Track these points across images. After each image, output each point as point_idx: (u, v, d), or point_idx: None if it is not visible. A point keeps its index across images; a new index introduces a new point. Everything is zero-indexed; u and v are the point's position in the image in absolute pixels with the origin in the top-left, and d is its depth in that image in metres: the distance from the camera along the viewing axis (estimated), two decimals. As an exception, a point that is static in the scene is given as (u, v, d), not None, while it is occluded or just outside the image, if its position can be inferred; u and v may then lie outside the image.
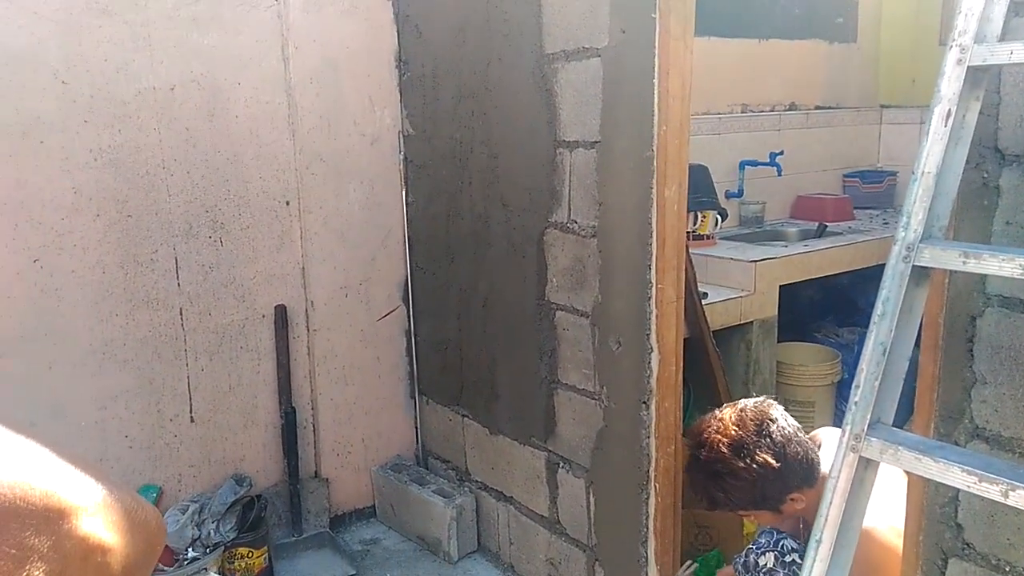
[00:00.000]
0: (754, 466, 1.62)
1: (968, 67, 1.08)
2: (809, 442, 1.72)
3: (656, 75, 1.88)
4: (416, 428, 3.00)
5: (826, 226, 3.76)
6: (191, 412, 2.59)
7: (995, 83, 1.27)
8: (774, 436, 1.65)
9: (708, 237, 3.53)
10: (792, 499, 1.68)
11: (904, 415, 1.65)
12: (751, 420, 1.68)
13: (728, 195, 3.90)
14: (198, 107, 2.44)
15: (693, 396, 3.26)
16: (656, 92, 1.88)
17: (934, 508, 1.42)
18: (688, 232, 3.48)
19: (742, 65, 3.85)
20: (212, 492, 2.61)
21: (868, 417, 1.13)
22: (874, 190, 4.34)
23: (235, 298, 2.60)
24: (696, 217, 3.52)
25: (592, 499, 2.26)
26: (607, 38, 1.99)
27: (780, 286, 3.26)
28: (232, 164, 2.53)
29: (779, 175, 3.96)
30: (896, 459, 1.10)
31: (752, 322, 3.18)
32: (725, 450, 1.64)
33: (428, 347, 2.89)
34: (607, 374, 2.15)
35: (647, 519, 2.10)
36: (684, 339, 2.91)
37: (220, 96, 2.47)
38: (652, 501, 2.08)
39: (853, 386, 1.15)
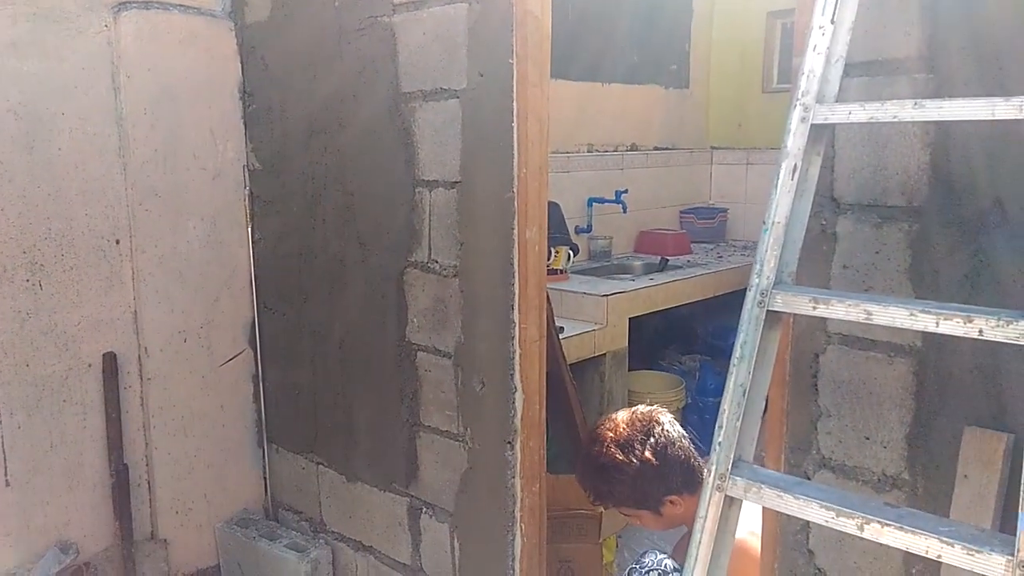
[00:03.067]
0: (636, 462, 1.75)
1: (811, 124, 1.16)
2: (692, 450, 1.84)
3: (515, 119, 1.89)
4: (265, 479, 2.82)
5: (667, 260, 3.96)
6: (6, 475, 2.30)
7: (830, 138, 1.38)
8: (657, 437, 1.79)
9: (561, 272, 3.62)
10: (671, 501, 1.80)
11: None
12: (639, 421, 1.83)
13: (578, 230, 4.03)
14: (14, 139, 2.20)
15: (551, 430, 3.30)
16: (515, 135, 1.90)
17: (787, 536, 1.50)
18: (541, 267, 3.56)
19: (587, 107, 4.01)
20: (32, 563, 2.32)
21: (731, 456, 1.17)
22: (708, 225, 4.63)
23: (57, 347, 2.35)
24: (549, 252, 3.60)
25: (456, 543, 2.22)
26: (466, 80, 1.99)
27: (629, 318, 3.39)
28: (54, 200, 2.29)
29: (624, 212, 4.14)
30: (759, 497, 1.14)
31: (605, 354, 3.28)
32: (613, 447, 1.78)
33: (278, 392, 2.74)
34: (471, 415, 2.13)
35: (513, 560, 2.08)
36: (542, 374, 2.97)
37: (41, 127, 2.24)
38: (518, 542, 2.06)
39: (716, 427, 1.19)
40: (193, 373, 2.62)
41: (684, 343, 4.27)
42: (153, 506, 2.60)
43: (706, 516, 1.19)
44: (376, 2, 2.17)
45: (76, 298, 2.37)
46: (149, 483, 2.59)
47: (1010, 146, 1.19)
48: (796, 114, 1.18)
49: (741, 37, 4.57)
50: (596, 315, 3.25)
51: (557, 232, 3.60)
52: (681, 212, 4.67)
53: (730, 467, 1.17)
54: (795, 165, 1.17)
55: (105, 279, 2.42)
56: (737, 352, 1.18)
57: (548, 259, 3.56)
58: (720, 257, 4.19)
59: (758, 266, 1.18)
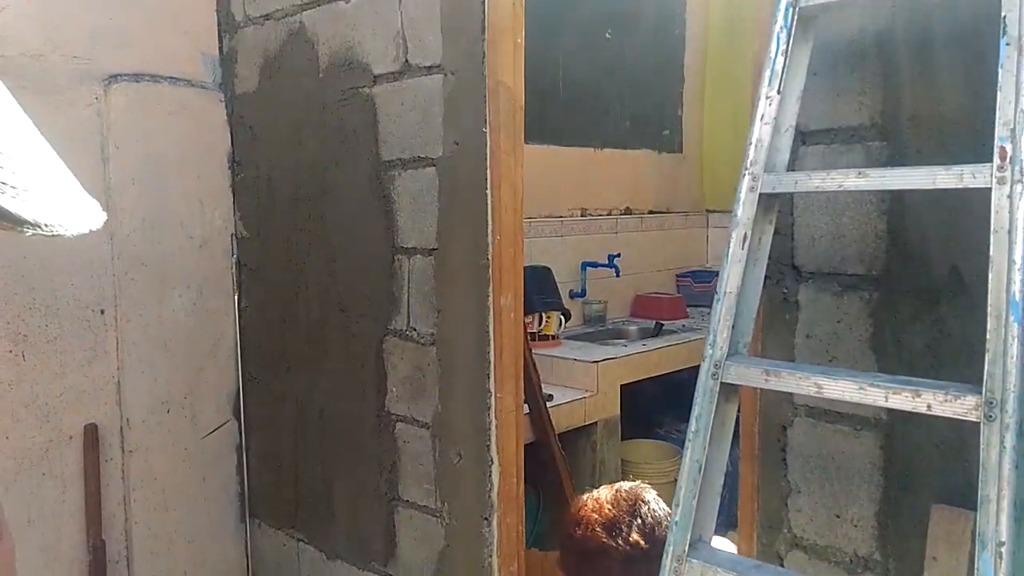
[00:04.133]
0: (625, 546, 1.63)
1: (760, 194, 1.16)
2: None
3: (489, 186, 1.91)
4: (247, 555, 2.76)
5: (663, 324, 3.92)
6: (-22, 551, 2.26)
7: (789, 205, 1.37)
8: (644, 517, 1.67)
9: (553, 337, 3.59)
10: None
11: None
12: (624, 500, 1.70)
13: (572, 295, 4.01)
14: (0, 210, 2.23)
15: (542, 501, 3.23)
16: (489, 202, 1.91)
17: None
18: (534, 333, 3.53)
19: (581, 171, 4.05)
20: (-1, 645, 2.26)
21: (688, 537, 1.13)
22: (705, 289, 4.60)
23: (37, 419, 2.33)
24: (541, 318, 3.58)
25: (435, 623, 2.14)
26: (442, 149, 2.01)
27: (622, 385, 3.34)
28: (40, 271, 2.31)
29: (617, 276, 4.12)
30: (716, 581, 1.09)
31: (596, 422, 3.22)
32: (598, 528, 1.65)
33: (261, 465, 2.70)
34: (448, 489, 2.08)
35: (492, 642, 2.00)
36: (530, 443, 2.92)
37: (27, 198, 2.27)
38: (496, 622, 1.99)
39: (673, 504, 1.15)
40: (176, 445, 2.59)
41: (682, 410, 4.17)
42: (131, 583, 2.54)
43: (664, 600, 1.14)
44: (357, 74, 2.21)
45: (59, 369, 2.37)
46: (128, 559, 2.53)
47: (964, 214, 1.17)
48: (745, 183, 1.17)
49: (733, 102, 4.62)
50: (587, 382, 3.21)
51: (549, 297, 3.59)
52: (678, 276, 4.65)
53: (687, 548, 1.13)
54: (745, 234, 1.16)
55: (89, 349, 2.42)
56: (692, 426, 1.15)
57: (540, 325, 3.55)
58: (718, 320, 4.15)
59: (711, 337, 1.16)
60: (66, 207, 0.47)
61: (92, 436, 2.41)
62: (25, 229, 0.44)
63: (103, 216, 0.51)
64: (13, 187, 0.42)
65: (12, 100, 0.48)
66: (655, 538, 1.66)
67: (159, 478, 2.55)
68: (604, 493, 1.75)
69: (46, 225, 0.45)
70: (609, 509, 1.68)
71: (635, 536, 1.64)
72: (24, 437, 2.32)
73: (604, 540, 1.64)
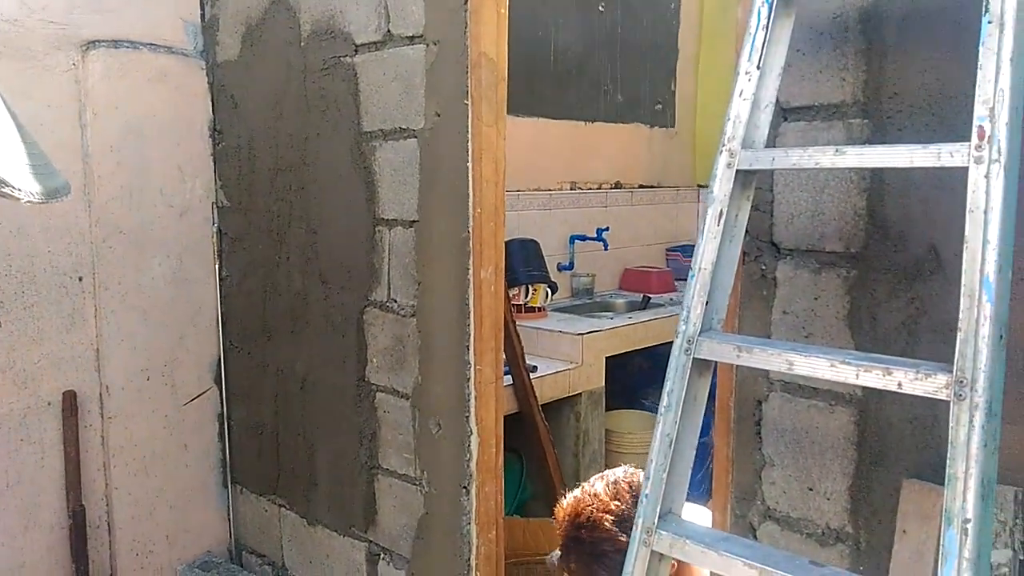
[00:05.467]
0: None
1: (736, 170, 1.15)
2: None
3: (470, 159, 1.89)
4: (229, 520, 2.77)
5: (650, 298, 3.93)
6: (-41, 515, 2.26)
7: (768, 182, 1.36)
8: None
9: (539, 309, 3.59)
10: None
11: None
12: (626, 492, 1.63)
13: (560, 268, 4.01)
14: (-25, 174, 2.19)
15: (526, 469, 3.25)
16: (470, 175, 1.89)
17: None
18: (520, 305, 3.54)
19: (570, 145, 4.02)
20: (-20, 609, 2.27)
21: (658, 509, 1.13)
22: (694, 264, 4.60)
23: (15, 385, 2.32)
24: (527, 290, 3.58)
25: (414, 591, 2.16)
26: (423, 120, 1.99)
27: (608, 357, 3.35)
28: (16, 237, 2.28)
29: (606, 249, 4.12)
30: (684, 553, 1.10)
31: (580, 393, 3.23)
32: (609, 526, 1.58)
33: (243, 432, 2.70)
34: (428, 458, 2.09)
35: (469, 610, 2.02)
36: (514, 413, 2.93)
37: (3, 163, 2.24)
38: (473, 591, 2.01)
39: (643, 478, 1.15)
40: (156, 412, 2.58)
41: (667, 382, 4.21)
42: (112, 548, 2.54)
43: (632, 573, 1.15)
44: (339, 43, 2.18)
45: (36, 335, 2.35)
46: (108, 524, 2.54)
47: (943, 193, 1.17)
48: (722, 159, 1.16)
49: (726, 77, 4.59)
50: (572, 354, 3.22)
51: (536, 270, 3.58)
52: (667, 250, 4.65)
53: (656, 521, 1.13)
54: (721, 211, 1.15)
55: (67, 316, 2.40)
56: (664, 400, 1.15)
57: (526, 297, 3.55)
58: (704, 295, 4.16)
59: (685, 312, 1.15)
60: (38, 177, 0.49)
61: (71, 402, 2.40)
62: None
63: (70, 188, 0.52)
64: None
65: None
66: None
67: (140, 444, 2.55)
68: (600, 487, 1.66)
69: (18, 190, 0.46)
70: (616, 505, 1.61)
71: None
72: (2, 403, 2.31)
73: (621, 538, 1.55)
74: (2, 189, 0.47)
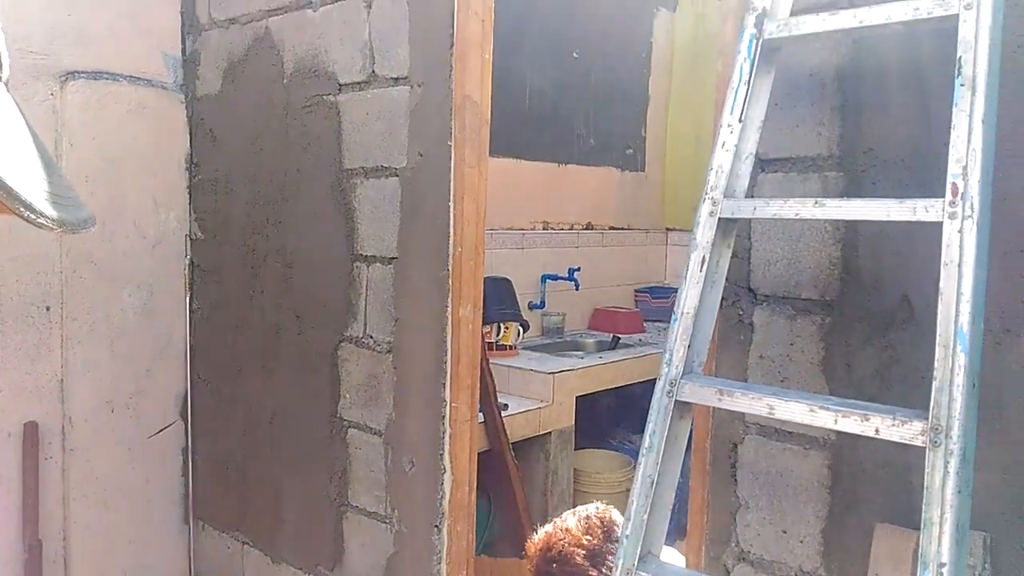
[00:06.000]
0: (611, 574, 1.58)
1: (719, 218, 1.18)
2: None
3: (452, 199, 1.91)
4: (190, 558, 2.70)
5: (619, 338, 3.96)
6: (-93, 550, 2.18)
7: (746, 230, 1.40)
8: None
9: (511, 348, 3.60)
10: None
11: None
12: (598, 527, 1.64)
13: (531, 306, 4.03)
14: (-56, 200, 2.16)
15: (493, 507, 3.23)
16: (452, 215, 1.91)
17: (707, 633, 1.45)
18: (491, 343, 3.54)
19: (544, 186, 4.07)
20: (-77, 651, 2.17)
21: (638, 551, 1.14)
22: (662, 305, 4.66)
23: (-26, 415, 2.26)
24: (499, 328, 3.59)
25: (381, 633, 2.12)
26: (406, 159, 2.01)
27: (577, 396, 3.37)
28: (-17, 264, 2.24)
29: (577, 289, 4.16)
30: (665, 595, 1.11)
31: (551, 432, 3.23)
32: (581, 560, 1.58)
33: (208, 467, 2.65)
34: (399, 496, 2.07)
35: (438, 653, 1.99)
36: (484, 451, 2.92)
37: (-27, 188, 2.20)
38: (443, 633, 1.98)
39: (624, 519, 1.16)
40: (119, 445, 2.53)
41: (635, 422, 4.23)
42: (67, 585, 2.46)
43: (613, 614, 1.15)
44: (323, 81, 2.20)
45: (0, 365, 2.30)
46: (64, 559, 2.46)
47: (915, 244, 1.22)
48: (705, 208, 1.20)
49: (695, 124, 4.71)
50: (543, 392, 3.22)
51: (508, 308, 3.60)
52: (636, 291, 4.70)
53: (636, 563, 1.14)
54: (704, 257, 1.18)
55: (32, 346, 2.35)
56: (646, 442, 1.17)
57: (498, 335, 3.56)
58: (672, 337, 4.20)
59: (668, 355, 1.18)
60: (60, 207, 0.51)
61: (32, 434, 2.35)
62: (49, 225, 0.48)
63: (95, 220, 0.54)
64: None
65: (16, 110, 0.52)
66: None
67: (101, 478, 2.49)
68: (571, 522, 1.67)
69: (46, 217, 0.49)
70: (588, 540, 1.62)
71: None
72: (-40, 434, 2.24)
73: (591, 572, 1.57)
74: (28, 215, 0.48)
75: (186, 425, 2.66)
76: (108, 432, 2.50)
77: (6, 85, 0.53)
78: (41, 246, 2.34)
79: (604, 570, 1.59)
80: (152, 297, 2.56)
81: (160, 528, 2.65)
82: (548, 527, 1.70)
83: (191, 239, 2.63)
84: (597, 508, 1.71)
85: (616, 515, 1.70)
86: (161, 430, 2.61)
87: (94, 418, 2.46)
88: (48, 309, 2.37)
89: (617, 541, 1.60)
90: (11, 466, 2.34)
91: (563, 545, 1.62)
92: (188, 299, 2.63)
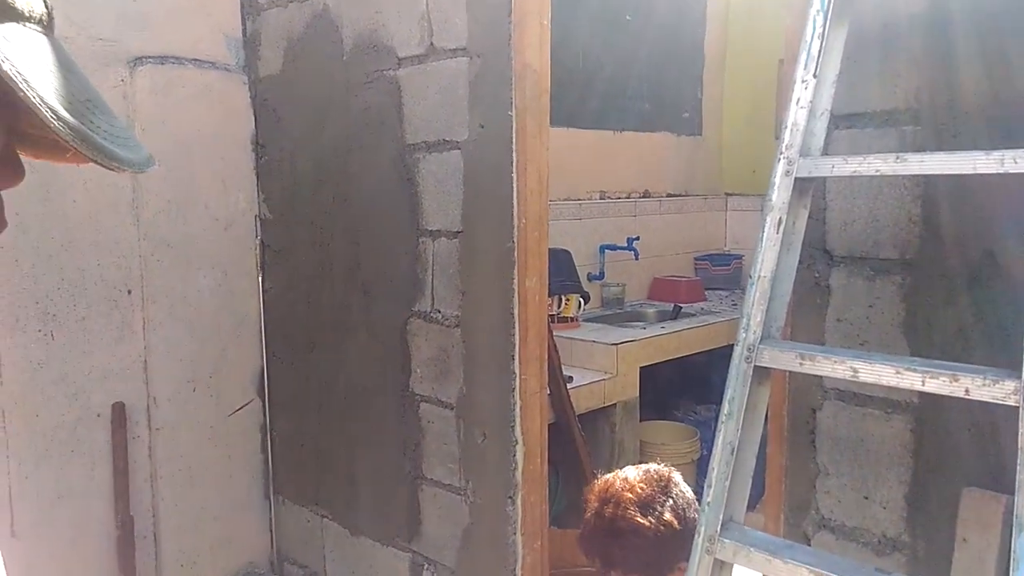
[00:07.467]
0: (659, 526, 1.61)
1: (795, 178, 1.16)
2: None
3: (515, 170, 1.91)
4: (271, 531, 2.80)
5: (680, 307, 3.93)
6: (12, 525, 2.31)
7: (821, 189, 1.37)
8: (676, 498, 1.65)
9: (572, 320, 3.60)
10: (680, 568, 1.67)
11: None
12: (656, 480, 1.68)
13: (590, 278, 4.02)
14: (30, 190, 2.25)
15: (561, 481, 3.26)
16: (515, 186, 1.91)
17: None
18: (553, 315, 3.55)
19: (600, 154, 4.04)
20: (32, 617, 2.31)
21: (720, 517, 1.14)
22: (723, 272, 4.60)
23: (67, 397, 2.37)
24: (560, 300, 3.59)
25: (459, 600, 2.17)
26: (467, 132, 2.01)
27: (640, 367, 3.36)
28: (67, 251, 2.34)
29: (636, 259, 4.13)
30: (748, 560, 1.11)
31: (616, 404, 3.24)
32: (632, 507, 1.62)
33: (285, 443, 2.74)
34: (473, 468, 2.10)
35: (515, 619, 2.03)
36: (550, 424, 2.94)
37: (56, 179, 2.30)
38: (519, 600, 2.02)
39: (705, 486, 1.16)
40: (201, 423, 2.63)
41: (699, 392, 4.20)
42: (158, 559, 2.58)
43: (695, 579, 1.15)
44: (382, 56, 2.21)
45: (87, 348, 2.40)
46: (155, 535, 2.58)
47: (999, 198, 1.17)
48: (780, 168, 1.17)
49: (753, 84, 4.59)
50: (606, 364, 3.22)
51: (568, 280, 3.60)
52: (696, 259, 4.64)
53: (719, 529, 1.14)
54: (780, 219, 1.16)
55: (116, 329, 2.45)
56: (725, 409, 1.16)
57: (559, 307, 3.56)
58: (735, 304, 4.15)
59: (745, 320, 1.17)
60: (124, 148, 0.53)
61: (120, 414, 2.45)
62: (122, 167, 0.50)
63: (154, 160, 0.56)
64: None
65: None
66: (686, 518, 1.64)
67: (185, 456, 2.59)
68: (632, 473, 1.72)
69: (118, 160, 0.50)
70: (642, 488, 1.66)
71: (668, 515, 1.62)
72: (54, 415, 2.36)
73: (638, 519, 1.61)
74: (103, 160, 0.50)
75: (263, 402, 2.75)
76: (190, 411, 2.60)
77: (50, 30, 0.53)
78: (120, 230, 2.43)
79: (651, 519, 1.62)
80: (226, 278, 2.64)
81: (242, 503, 2.75)
82: (610, 475, 1.76)
83: (260, 220, 2.69)
84: (658, 466, 1.76)
85: (677, 476, 1.73)
86: (240, 408, 2.71)
87: (177, 397, 2.56)
88: (130, 292, 2.46)
89: (672, 496, 1.65)
90: (101, 445, 2.45)
91: (617, 490, 1.67)
92: (260, 279, 2.70)
